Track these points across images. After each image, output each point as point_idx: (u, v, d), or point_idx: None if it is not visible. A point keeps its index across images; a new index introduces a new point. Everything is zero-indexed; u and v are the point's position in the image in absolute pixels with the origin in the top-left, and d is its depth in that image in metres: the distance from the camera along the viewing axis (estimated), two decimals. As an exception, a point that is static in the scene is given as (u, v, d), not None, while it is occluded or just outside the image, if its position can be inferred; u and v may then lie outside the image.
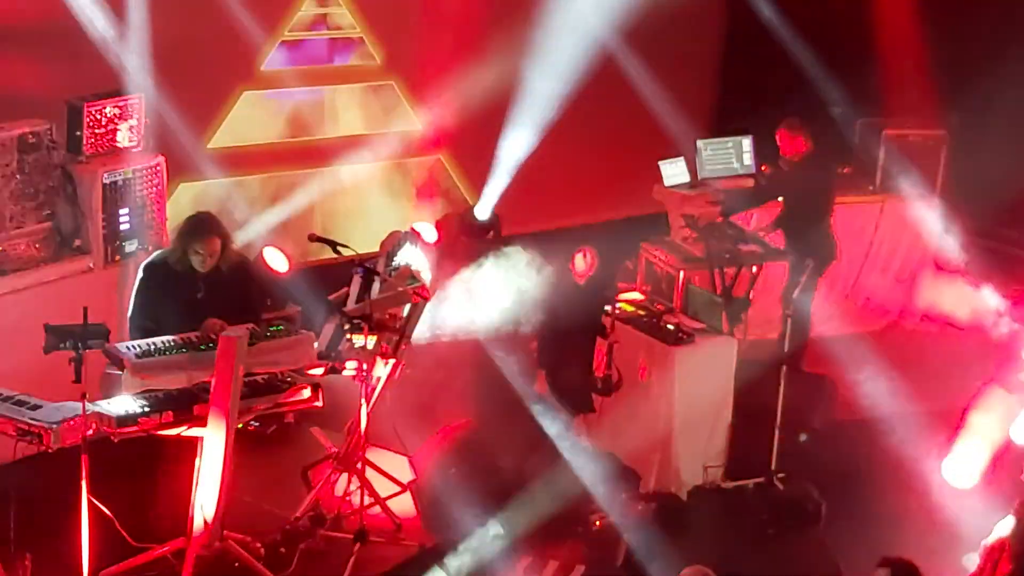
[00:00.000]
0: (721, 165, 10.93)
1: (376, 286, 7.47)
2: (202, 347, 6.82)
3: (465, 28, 10.63)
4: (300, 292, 8.81)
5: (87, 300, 6.77)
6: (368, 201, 10.97)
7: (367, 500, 7.57)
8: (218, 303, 7.04)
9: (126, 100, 8.66)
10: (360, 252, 7.41)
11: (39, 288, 8.12)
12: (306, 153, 10.60)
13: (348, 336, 7.30)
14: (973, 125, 10.59)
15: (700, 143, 10.90)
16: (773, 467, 8.48)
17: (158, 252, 7.42)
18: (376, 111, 10.94)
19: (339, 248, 7.43)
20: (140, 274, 7.22)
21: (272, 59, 10.32)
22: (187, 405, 6.74)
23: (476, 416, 8.52)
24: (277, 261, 7.78)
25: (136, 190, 8.51)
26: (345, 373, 7.36)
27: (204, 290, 7.08)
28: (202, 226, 7.18)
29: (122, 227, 8.45)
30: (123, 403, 6.60)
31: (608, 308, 8.35)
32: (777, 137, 9.83)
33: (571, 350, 8.21)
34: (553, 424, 8.33)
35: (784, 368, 8.53)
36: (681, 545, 7.54)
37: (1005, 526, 6.73)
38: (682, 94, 11.76)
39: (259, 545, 7.29)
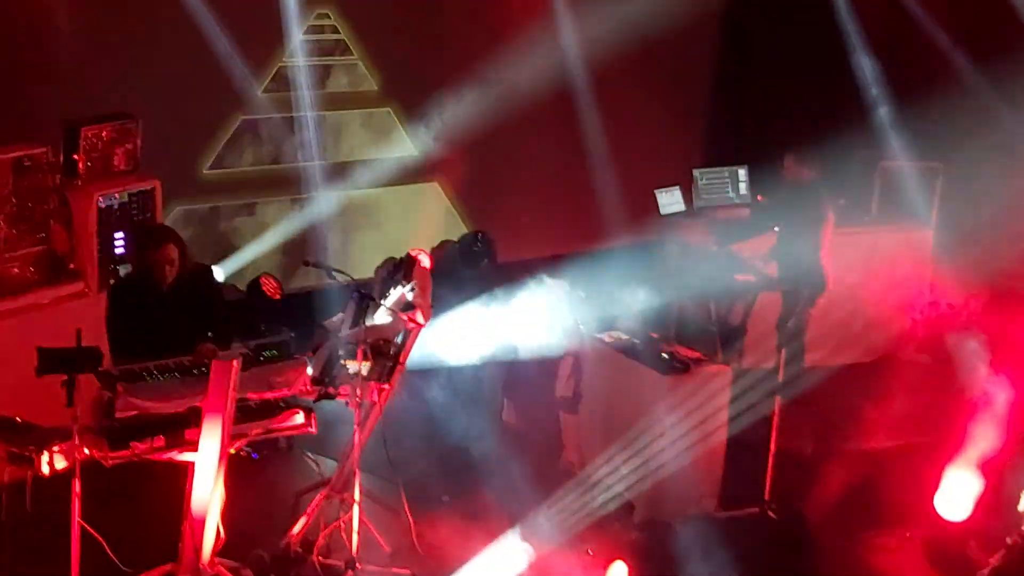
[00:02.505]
0: (717, 194, 10.96)
1: (371, 312, 7.46)
2: (195, 371, 6.81)
3: (462, 55, 10.67)
4: (294, 317, 8.80)
5: (81, 323, 6.74)
6: (364, 227, 10.98)
7: (359, 527, 7.54)
8: (184, 317, 7.04)
9: (122, 124, 8.67)
10: (355, 278, 7.40)
11: (33, 311, 8.11)
12: (302, 178, 10.60)
13: (342, 362, 7.28)
14: (968, 157, 10.62)
15: (696, 172, 10.94)
16: (767, 497, 8.46)
17: (122, 274, 7.40)
18: (373, 137, 10.96)
19: (334, 273, 7.43)
20: (108, 298, 7.23)
21: (269, 83, 10.35)
22: (179, 429, 6.72)
23: (470, 443, 8.51)
24: (271, 287, 7.77)
25: (131, 214, 8.50)
26: (339, 399, 7.34)
27: (169, 306, 7.08)
28: (155, 235, 7.21)
29: (117, 251, 8.44)
30: (114, 427, 6.59)
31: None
32: (784, 164, 9.81)
33: (537, 378, 8.20)
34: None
35: (778, 398, 8.52)
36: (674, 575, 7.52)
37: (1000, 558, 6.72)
38: (678, 123, 11.82)
39: (249, 571, 7.25)
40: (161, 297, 7.09)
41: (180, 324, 6.97)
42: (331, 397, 7.22)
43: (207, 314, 7.13)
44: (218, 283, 7.44)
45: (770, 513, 8.41)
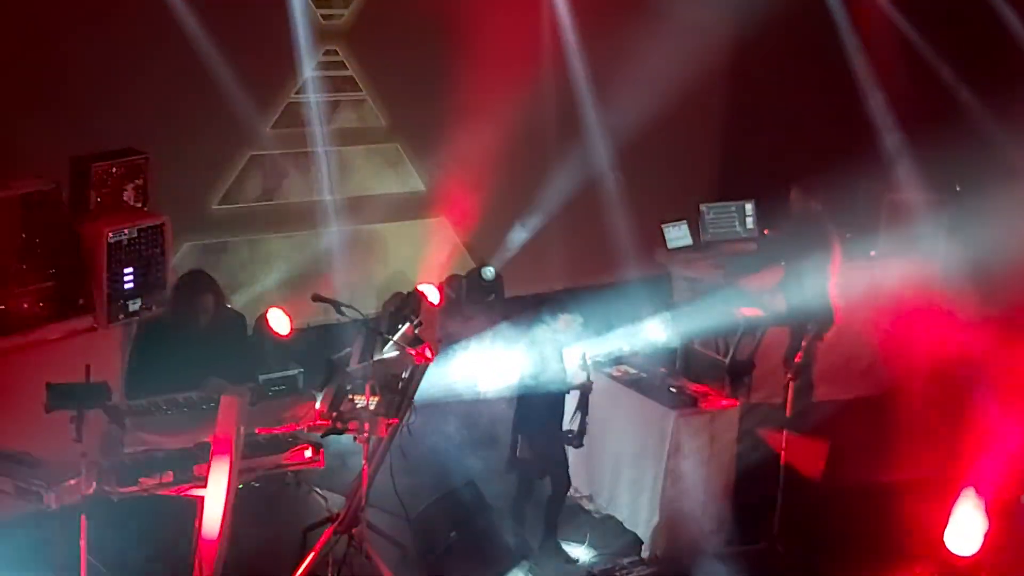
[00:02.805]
0: (724, 229, 10.98)
1: (379, 347, 7.47)
2: (204, 406, 6.82)
3: (470, 91, 10.72)
4: (303, 352, 8.81)
5: (90, 359, 6.77)
6: (372, 262, 11.00)
7: (366, 562, 7.52)
8: (212, 361, 7.04)
9: (132, 159, 8.71)
10: (363, 313, 7.41)
11: (42, 346, 8.12)
12: (311, 214, 10.64)
13: (350, 397, 7.29)
14: (975, 190, 10.64)
15: (703, 207, 10.97)
16: (776, 532, 8.44)
17: (155, 311, 7.41)
18: (381, 172, 11.00)
19: (342, 308, 7.44)
20: (136, 333, 7.23)
21: (278, 120, 10.40)
22: (188, 465, 6.73)
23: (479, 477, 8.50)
24: (280, 322, 7.79)
25: (140, 249, 8.53)
26: (347, 434, 7.34)
27: (198, 348, 7.09)
28: (194, 283, 7.22)
29: (126, 286, 8.46)
30: (123, 462, 6.60)
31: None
32: (791, 198, 9.83)
33: (547, 413, 8.19)
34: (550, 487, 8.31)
35: (786, 432, 8.51)
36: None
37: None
38: (686, 158, 11.85)
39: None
40: (189, 343, 7.11)
41: (207, 369, 6.97)
42: (340, 432, 7.22)
43: (235, 361, 7.13)
44: (250, 336, 7.44)
45: (779, 548, 8.39)
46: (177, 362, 7.03)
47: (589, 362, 8.22)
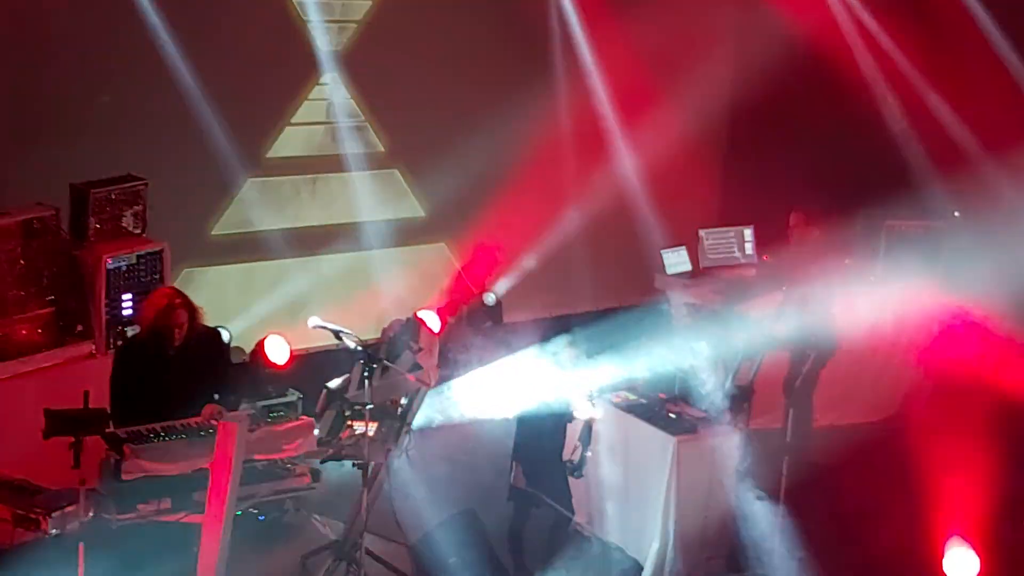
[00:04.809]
0: (723, 254, 10.99)
1: (377, 373, 7.47)
2: (202, 433, 6.81)
3: (470, 118, 10.73)
4: (301, 379, 8.80)
5: (89, 385, 6.77)
6: (371, 287, 11.00)
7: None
8: (189, 380, 7.03)
9: (131, 186, 8.72)
10: (362, 339, 7.41)
11: (41, 373, 8.12)
12: (310, 239, 10.64)
13: (349, 423, 7.28)
14: (972, 217, 10.65)
15: (702, 232, 10.97)
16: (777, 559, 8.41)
17: (130, 335, 7.39)
18: (380, 198, 11.00)
19: (341, 335, 7.44)
20: (114, 359, 7.20)
21: (277, 146, 10.41)
22: (186, 491, 6.71)
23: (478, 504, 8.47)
24: (279, 349, 7.78)
25: (139, 275, 8.53)
26: (346, 460, 7.33)
27: (175, 369, 7.06)
28: (166, 300, 7.18)
29: (125, 312, 8.46)
30: (122, 489, 6.58)
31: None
32: (790, 224, 9.83)
33: (547, 442, 8.17)
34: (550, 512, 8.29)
35: (786, 458, 8.49)
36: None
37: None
38: (685, 184, 11.85)
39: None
40: (167, 360, 7.09)
41: (185, 387, 6.96)
42: (338, 458, 7.20)
43: (213, 377, 7.13)
44: (226, 347, 7.43)
45: (780, 574, 8.36)
46: (157, 382, 6.99)
47: (589, 388, 8.19)
